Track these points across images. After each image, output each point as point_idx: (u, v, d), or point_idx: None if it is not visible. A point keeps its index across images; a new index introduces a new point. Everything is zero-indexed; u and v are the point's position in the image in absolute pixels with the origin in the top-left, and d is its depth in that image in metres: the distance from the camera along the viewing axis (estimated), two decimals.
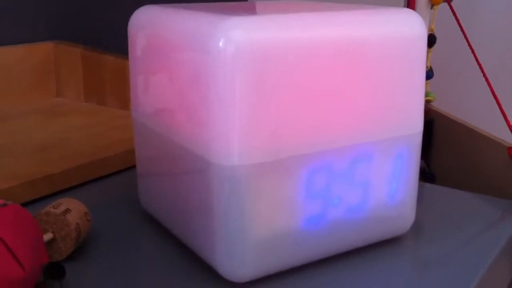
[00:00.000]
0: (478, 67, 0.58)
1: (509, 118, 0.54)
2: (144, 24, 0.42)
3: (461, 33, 0.61)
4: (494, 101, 0.55)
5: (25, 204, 0.48)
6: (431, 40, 0.63)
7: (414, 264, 0.42)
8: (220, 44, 0.33)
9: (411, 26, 0.39)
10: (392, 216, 0.41)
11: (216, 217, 0.36)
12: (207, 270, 0.38)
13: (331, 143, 0.37)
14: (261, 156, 0.34)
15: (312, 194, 0.37)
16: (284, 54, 0.34)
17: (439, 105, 0.64)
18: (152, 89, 0.42)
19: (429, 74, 0.64)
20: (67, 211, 0.39)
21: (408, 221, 0.43)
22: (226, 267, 0.36)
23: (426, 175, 0.64)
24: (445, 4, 0.62)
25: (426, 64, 0.64)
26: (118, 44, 0.46)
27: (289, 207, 0.36)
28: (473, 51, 0.59)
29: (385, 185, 0.40)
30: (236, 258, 0.36)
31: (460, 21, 0.61)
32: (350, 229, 0.39)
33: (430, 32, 0.63)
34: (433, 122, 0.63)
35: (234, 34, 0.33)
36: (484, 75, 0.57)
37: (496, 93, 0.56)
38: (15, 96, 0.74)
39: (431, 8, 0.63)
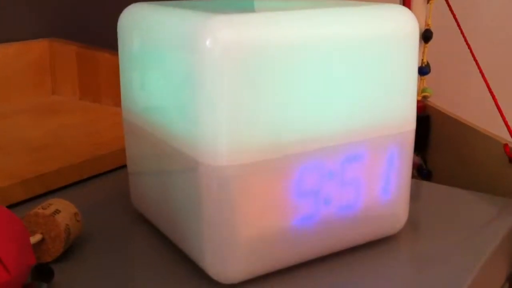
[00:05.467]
0: (474, 62, 0.58)
1: (505, 115, 0.54)
2: (133, 22, 0.42)
3: (457, 28, 0.60)
4: (491, 97, 0.55)
5: (18, 204, 0.48)
6: (428, 36, 0.62)
7: (410, 262, 0.42)
8: (207, 43, 0.32)
9: (403, 23, 0.39)
10: (385, 215, 0.41)
11: (205, 217, 0.35)
12: (199, 270, 0.37)
13: (321, 142, 0.36)
14: (250, 156, 0.34)
15: (303, 193, 0.37)
16: (272, 52, 0.33)
17: (436, 101, 0.64)
18: (141, 88, 0.41)
19: (426, 70, 0.64)
20: (56, 212, 0.39)
21: (401, 220, 0.42)
22: (215, 268, 0.36)
23: (423, 171, 0.63)
24: None
25: (423, 59, 0.64)
26: (114, 41, 0.45)
27: (279, 206, 0.36)
28: (469, 47, 0.59)
29: (377, 184, 0.40)
30: (226, 260, 0.35)
31: (457, 16, 0.61)
32: (342, 228, 0.39)
33: (426, 27, 0.63)
34: (429, 118, 0.63)
35: (221, 33, 0.32)
36: (481, 71, 0.57)
37: (493, 89, 0.55)
38: (10, 94, 0.74)
39: (428, 2, 0.63)
